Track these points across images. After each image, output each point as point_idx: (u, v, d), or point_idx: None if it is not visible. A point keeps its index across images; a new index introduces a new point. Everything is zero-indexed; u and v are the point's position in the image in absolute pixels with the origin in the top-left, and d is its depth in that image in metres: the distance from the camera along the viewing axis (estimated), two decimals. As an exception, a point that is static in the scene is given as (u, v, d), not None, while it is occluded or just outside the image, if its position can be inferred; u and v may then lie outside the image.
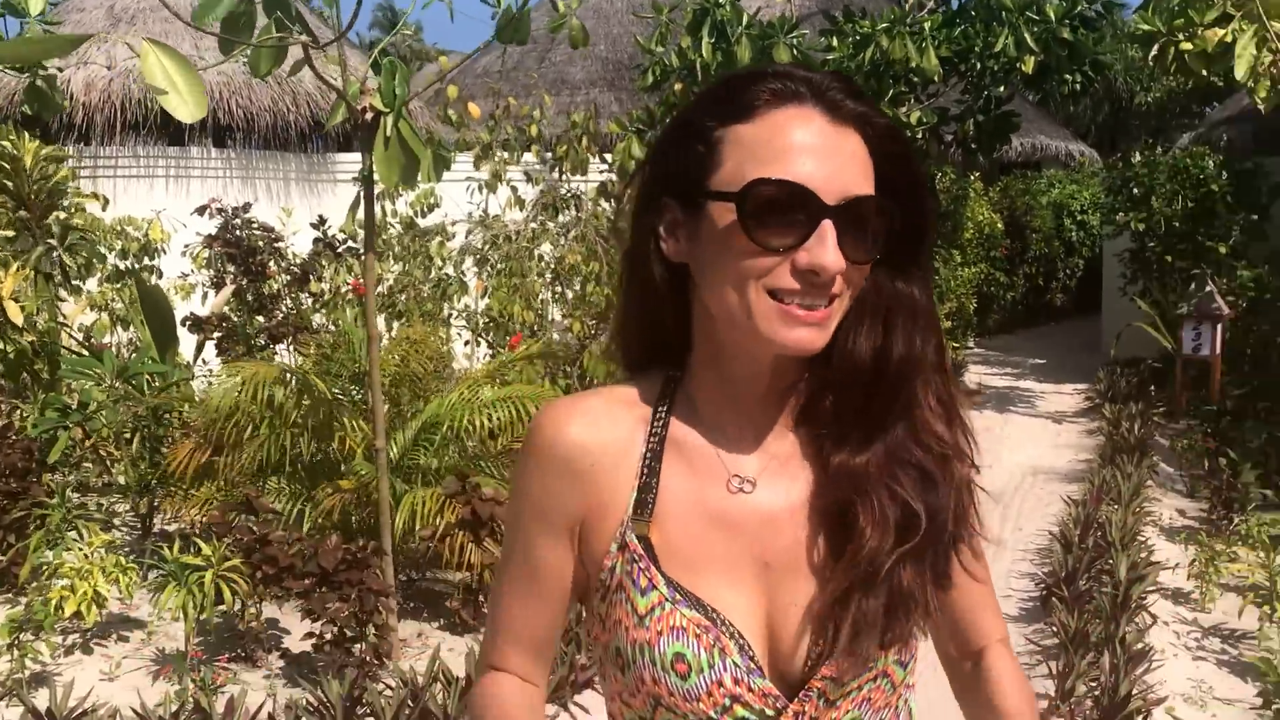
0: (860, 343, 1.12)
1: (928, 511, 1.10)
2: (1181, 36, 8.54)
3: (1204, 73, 8.80)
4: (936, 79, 10.00)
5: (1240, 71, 8.07)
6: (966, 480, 1.15)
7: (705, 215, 1.07)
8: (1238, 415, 8.05)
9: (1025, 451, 8.77)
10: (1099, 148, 22.28)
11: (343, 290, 8.67)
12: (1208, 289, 9.48)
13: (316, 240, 9.04)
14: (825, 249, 1.02)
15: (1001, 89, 10.91)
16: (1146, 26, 8.69)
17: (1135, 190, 11.18)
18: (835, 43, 10.12)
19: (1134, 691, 3.77)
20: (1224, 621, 5.12)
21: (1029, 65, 10.19)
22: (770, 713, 1.08)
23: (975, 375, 12.13)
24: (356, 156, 9.43)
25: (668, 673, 1.07)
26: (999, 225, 14.12)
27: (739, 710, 1.08)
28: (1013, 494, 7.54)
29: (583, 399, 1.19)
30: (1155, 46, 8.64)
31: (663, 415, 1.15)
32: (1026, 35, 9.92)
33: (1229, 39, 8.18)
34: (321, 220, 9.11)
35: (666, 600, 1.09)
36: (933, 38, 9.72)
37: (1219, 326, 9.35)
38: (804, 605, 1.10)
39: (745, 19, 8.88)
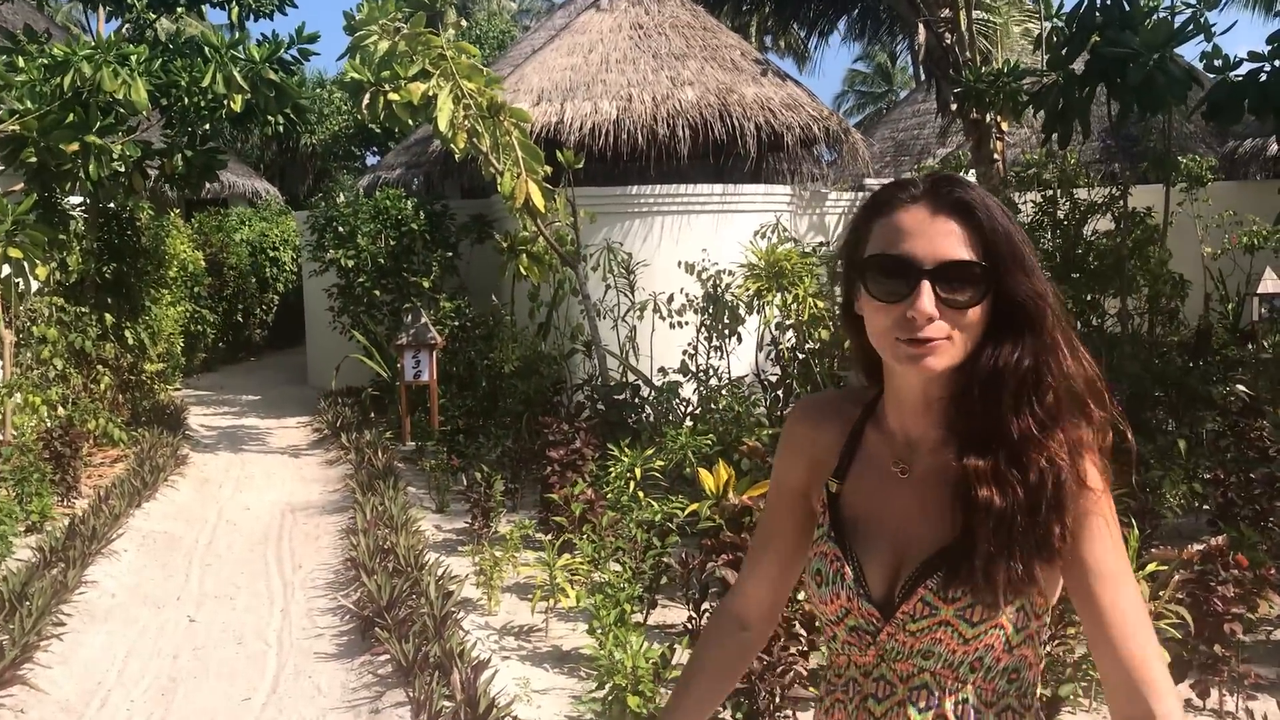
0: (979, 363, 1.44)
1: (1018, 503, 1.40)
2: (388, 88, 9.17)
3: (410, 121, 9.61)
4: (145, 112, 9.53)
5: (442, 124, 8.97)
6: (1065, 478, 1.41)
7: (861, 280, 1.47)
8: (470, 433, 8.89)
9: (275, 490, 8.76)
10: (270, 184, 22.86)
11: None
12: (422, 320, 10.32)
13: None
14: (920, 299, 1.39)
15: (207, 126, 10.76)
16: (356, 75, 9.19)
17: (341, 229, 11.73)
18: (22, 63, 9.12)
19: (490, 700, 4.04)
20: (510, 620, 5.67)
21: (238, 103, 10.18)
22: (871, 628, 1.50)
23: (197, 418, 11.75)
24: None
25: (811, 580, 1.56)
26: (201, 263, 13.85)
27: (850, 620, 1.52)
28: (279, 534, 7.49)
29: (827, 394, 1.76)
30: (366, 95, 9.18)
31: (863, 414, 1.61)
32: (235, 73, 9.90)
33: (431, 93, 9.02)
34: None
35: (824, 535, 1.57)
36: (139, 69, 9.23)
37: (434, 354, 10.25)
38: (916, 555, 1.47)
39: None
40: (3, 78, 8.39)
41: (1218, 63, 8.28)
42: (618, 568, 5.51)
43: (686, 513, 5.66)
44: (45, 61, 9.22)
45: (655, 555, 5.38)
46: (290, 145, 25.71)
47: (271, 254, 16.99)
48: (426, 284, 11.54)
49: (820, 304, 6.99)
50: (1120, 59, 7.35)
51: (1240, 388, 7.94)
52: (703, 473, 5.57)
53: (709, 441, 6.76)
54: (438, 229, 11.94)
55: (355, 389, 12.15)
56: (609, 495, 6.34)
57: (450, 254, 11.97)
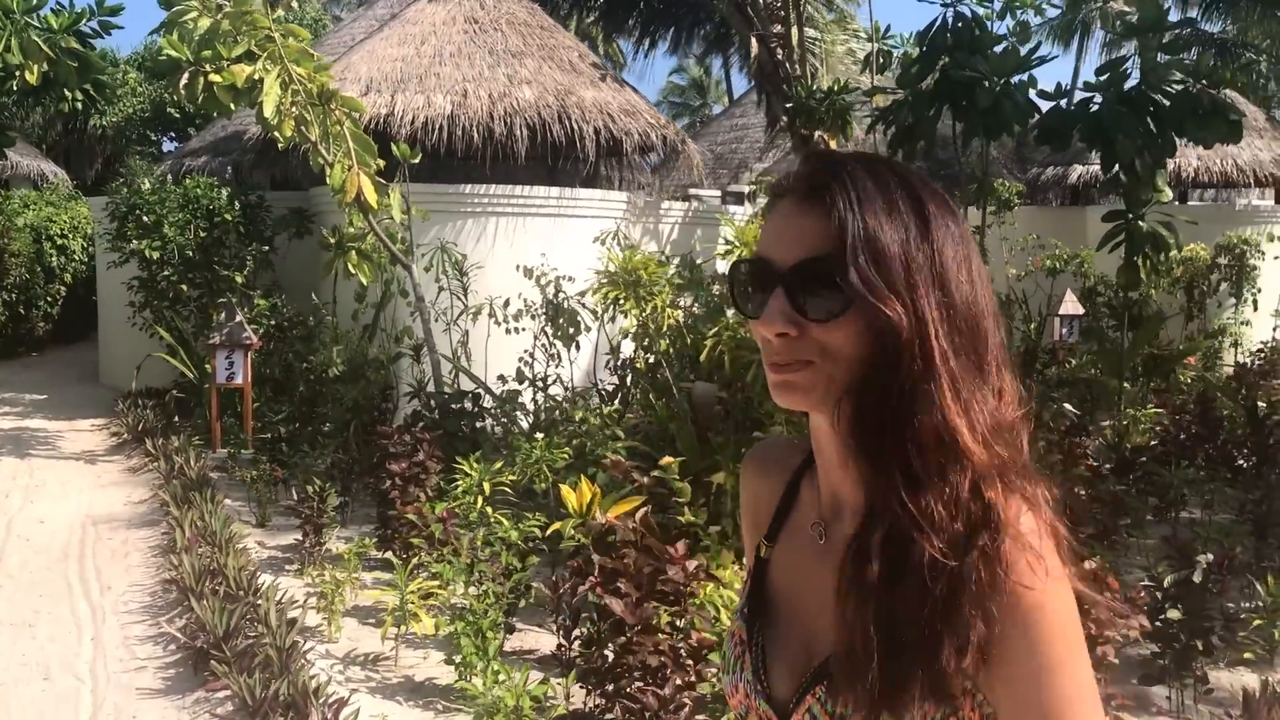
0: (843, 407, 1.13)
1: (899, 599, 1.07)
2: (209, 68, 8.53)
3: (232, 105, 8.97)
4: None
5: (268, 110, 8.40)
6: (953, 572, 1.05)
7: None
8: (290, 441, 8.31)
9: (72, 500, 7.96)
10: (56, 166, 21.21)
11: None
12: (237, 319, 9.64)
13: None
14: (768, 312, 1.11)
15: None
16: (173, 54, 8.51)
17: (145, 218, 10.87)
18: None
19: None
20: (354, 648, 5.24)
21: (34, 75, 9.30)
22: None
23: (-26, 418, 10.67)
24: None
25: (722, 662, 1.28)
26: (-19, 248, 12.62)
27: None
28: (81, 550, 6.77)
29: (777, 440, 1.49)
30: (184, 75, 8.50)
31: (803, 463, 1.32)
32: (36, 38, 9.01)
33: (257, 77, 8.44)
34: None
35: (739, 609, 1.31)
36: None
37: (249, 354, 9.57)
38: (819, 651, 1.18)
39: None
40: None
41: (1049, 89, 8.61)
42: (474, 590, 5.17)
43: (549, 531, 5.38)
44: None
45: (519, 578, 5.07)
46: (77, 126, 23.92)
47: (59, 241, 15.68)
48: (239, 279, 10.81)
49: (677, 314, 6.82)
50: (969, 82, 7.50)
51: (1068, 406, 8.25)
52: (565, 490, 5.30)
53: (565, 455, 6.49)
54: (253, 221, 11.22)
55: (157, 390, 11.27)
56: (458, 512, 5.99)
57: (266, 248, 11.27)
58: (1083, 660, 1.07)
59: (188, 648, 4.85)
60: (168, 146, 24.13)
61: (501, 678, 3.89)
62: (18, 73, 9.35)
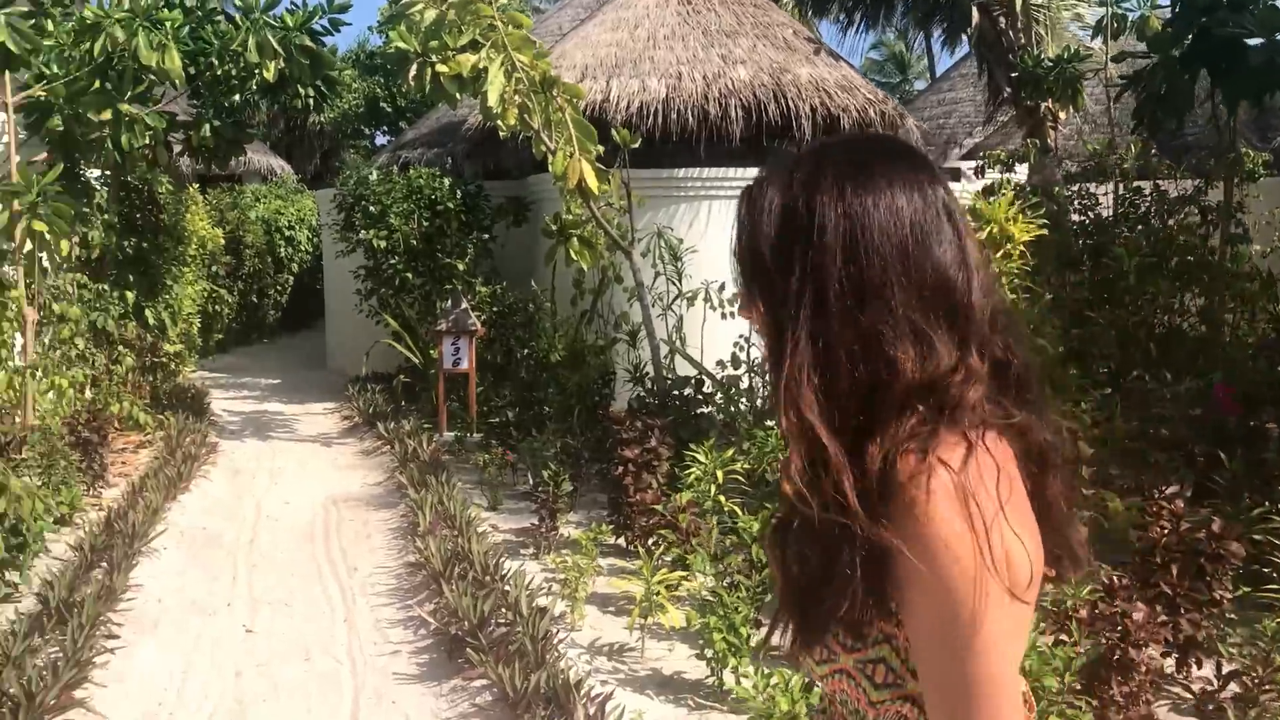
0: None
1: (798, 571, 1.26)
2: (436, 59, 8.67)
3: (458, 95, 9.10)
4: (179, 81, 8.98)
5: (493, 99, 8.44)
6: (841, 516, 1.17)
7: None
8: (519, 426, 8.39)
9: (312, 482, 8.26)
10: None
11: None
12: (463, 306, 9.81)
13: None
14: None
15: (237, 96, 10.21)
16: (402, 45, 8.67)
17: (372, 208, 11.20)
18: (51, 26, 8.56)
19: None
20: (598, 637, 5.18)
21: (270, 72, 9.65)
22: None
23: (218, 403, 11.23)
24: None
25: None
26: (220, 240, 13.31)
27: None
28: (325, 531, 7.00)
29: None
30: (413, 66, 8.66)
31: None
32: (271, 38, 9.34)
33: (481, 66, 8.52)
34: None
35: None
36: (171, 36, 8.68)
37: (473, 341, 9.74)
38: None
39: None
40: (30, 41, 7.83)
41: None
42: (712, 582, 5.03)
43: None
44: (74, 25, 8.67)
45: (769, 572, 4.91)
46: (298, 123, 25.05)
47: (287, 233, 16.44)
48: (461, 267, 11.02)
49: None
50: (1233, 41, 6.88)
51: (1346, 395, 7.50)
52: (810, 480, 5.09)
53: (802, 443, 6.27)
54: (473, 210, 11.42)
55: (381, 374, 11.64)
56: (697, 501, 5.87)
57: (486, 237, 11.45)
58: (968, 600, 1.12)
59: (439, 633, 4.89)
60: (380, 140, 25.00)
61: (774, 680, 3.73)
62: (257, 71, 9.74)
